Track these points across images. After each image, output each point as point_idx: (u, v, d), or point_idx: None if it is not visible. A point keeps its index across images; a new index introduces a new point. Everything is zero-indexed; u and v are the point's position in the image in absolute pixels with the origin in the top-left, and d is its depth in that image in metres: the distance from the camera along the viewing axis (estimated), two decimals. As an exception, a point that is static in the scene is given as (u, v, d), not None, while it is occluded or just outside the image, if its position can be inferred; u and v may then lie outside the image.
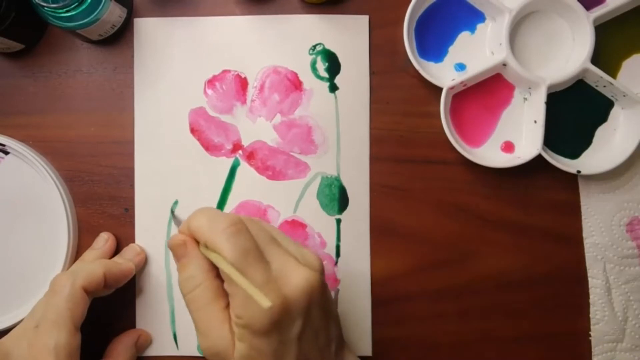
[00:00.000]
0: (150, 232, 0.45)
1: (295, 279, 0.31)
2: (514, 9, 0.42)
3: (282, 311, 0.30)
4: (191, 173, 0.45)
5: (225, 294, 0.33)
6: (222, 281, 0.33)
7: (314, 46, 0.45)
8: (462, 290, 0.45)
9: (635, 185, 0.45)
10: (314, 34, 0.45)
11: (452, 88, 0.44)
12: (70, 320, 0.36)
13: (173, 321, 0.45)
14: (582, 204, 0.45)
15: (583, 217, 0.45)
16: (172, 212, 0.44)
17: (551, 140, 0.43)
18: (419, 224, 0.45)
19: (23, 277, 0.45)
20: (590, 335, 0.45)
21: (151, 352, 0.45)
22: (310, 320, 0.32)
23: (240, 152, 0.45)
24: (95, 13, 0.40)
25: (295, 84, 0.45)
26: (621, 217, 0.45)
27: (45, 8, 0.38)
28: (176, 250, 0.34)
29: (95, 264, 0.40)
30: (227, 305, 0.33)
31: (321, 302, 0.33)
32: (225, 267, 0.31)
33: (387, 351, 0.45)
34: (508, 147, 0.45)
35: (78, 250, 0.45)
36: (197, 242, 0.34)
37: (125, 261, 0.42)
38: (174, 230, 0.45)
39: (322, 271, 0.33)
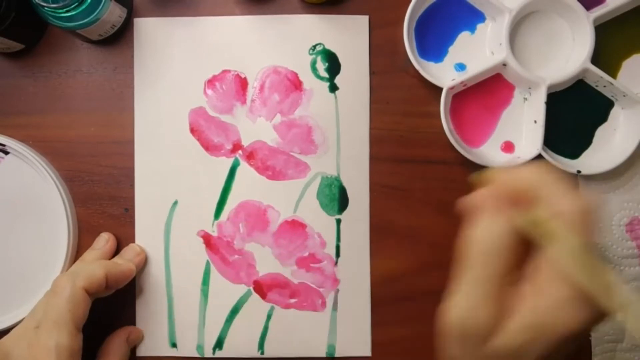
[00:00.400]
0: (150, 232, 0.45)
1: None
2: (514, 9, 0.42)
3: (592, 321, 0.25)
4: (191, 173, 0.45)
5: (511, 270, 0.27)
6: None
7: (314, 46, 0.45)
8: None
9: (635, 185, 0.45)
10: (314, 34, 0.45)
11: (452, 88, 0.43)
12: (72, 321, 0.36)
13: (173, 321, 0.45)
14: (582, 204, 0.45)
15: (583, 217, 0.45)
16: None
17: (551, 140, 0.43)
18: (419, 224, 0.45)
19: (23, 277, 0.45)
20: (590, 335, 0.45)
21: (151, 352, 0.45)
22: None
23: (240, 152, 0.45)
24: (95, 13, 0.40)
25: (295, 84, 0.45)
26: (621, 217, 0.45)
27: (45, 8, 0.38)
28: (490, 201, 0.27)
29: (96, 264, 0.40)
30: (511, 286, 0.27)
31: None
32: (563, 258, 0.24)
33: (387, 351, 0.45)
34: (508, 147, 0.45)
35: (78, 250, 0.45)
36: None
37: (125, 262, 0.42)
38: (175, 228, 0.45)
39: None
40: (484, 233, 0.27)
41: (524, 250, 0.27)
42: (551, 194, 0.26)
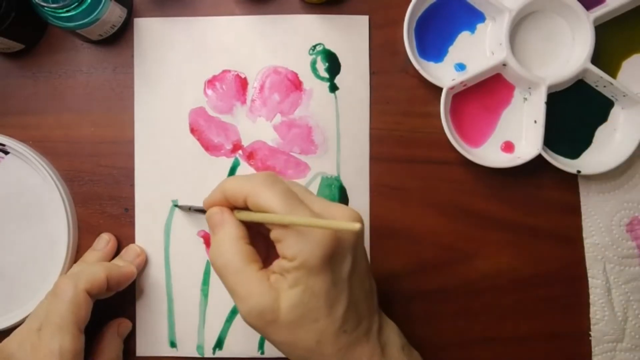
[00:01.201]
0: (150, 232, 0.45)
1: (341, 215, 0.32)
2: (514, 9, 0.42)
3: (335, 243, 0.31)
4: (191, 173, 0.45)
5: (259, 258, 0.33)
6: (253, 246, 0.33)
7: (314, 46, 0.45)
8: (462, 290, 0.45)
9: (635, 185, 0.45)
10: (314, 34, 0.45)
11: (452, 88, 0.43)
12: (74, 324, 0.36)
13: (173, 321, 0.45)
14: (582, 204, 0.45)
15: (583, 217, 0.45)
16: (176, 205, 0.44)
17: (551, 140, 0.43)
18: (419, 224, 0.45)
19: (23, 277, 0.45)
20: (590, 335, 0.45)
21: (150, 352, 0.45)
22: (357, 261, 0.33)
23: (240, 152, 0.45)
24: (95, 13, 0.40)
25: (296, 84, 0.45)
26: (621, 217, 0.45)
27: (45, 8, 0.38)
28: (213, 218, 0.34)
29: (97, 266, 0.40)
30: (261, 268, 0.33)
31: (362, 245, 0.34)
32: (269, 217, 0.31)
33: (387, 351, 0.45)
34: (508, 147, 0.45)
35: (78, 250, 0.45)
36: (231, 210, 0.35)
37: (126, 264, 0.42)
38: (175, 228, 0.45)
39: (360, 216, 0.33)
40: (218, 241, 0.33)
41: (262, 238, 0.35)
42: (239, 191, 0.33)
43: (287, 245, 0.31)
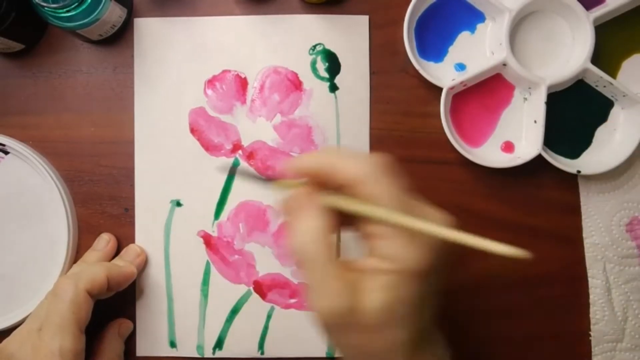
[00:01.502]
0: (150, 232, 0.45)
1: (440, 222, 0.29)
2: (514, 9, 0.42)
3: (447, 256, 0.28)
4: (191, 173, 0.45)
5: (338, 253, 0.30)
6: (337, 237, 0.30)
7: (314, 46, 0.45)
8: (462, 291, 0.45)
9: (635, 185, 0.45)
10: (314, 34, 0.45)
11: (452, 88, 0.43)
12: (75, 324, 0.36)
13: (173, 322, 0.45)
14: (582, 204, 0.45)
15: (583, 217, 0.45)
16: (232, 171, 0.40)
17: (551, 140, 0.43)
18: (419, 224, 0.45)
19: (23, 277, 0.45)
20: (590, 335, 0.45)
21: (150, 352, 0.45)
22: (443, 276, 0.30)
23: (240, 152, 0.45)
24: (95, 13, 0.40)
25: (296, 84, 0.45)
26: (621, 217, 0.45)
27: (45, 8, 0.38)
28: (298, 201, 0.30)
29: (98, 267, 0.40)
30: (343, 263, 0.29)
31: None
32: (378, 212, 0.28)
33: (387, 351, 0.45)
34: (508, 147, 0.45)
35: (78, 250, 0.45)
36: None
37: (127, 264, 0.42)
38: (175, 228, 0.45)
39: None
40: (304, 233, 0.29)
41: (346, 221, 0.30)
42: (342, 165, 0.29)
43: (391, 246, 0.28)
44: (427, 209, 0.29)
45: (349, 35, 0.45)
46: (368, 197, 0.28)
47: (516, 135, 0.45)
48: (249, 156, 0.45)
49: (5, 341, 0.37)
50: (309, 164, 0.30)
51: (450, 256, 0.29)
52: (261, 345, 0.45)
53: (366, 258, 0.29)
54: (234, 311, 0.45)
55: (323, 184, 0.30)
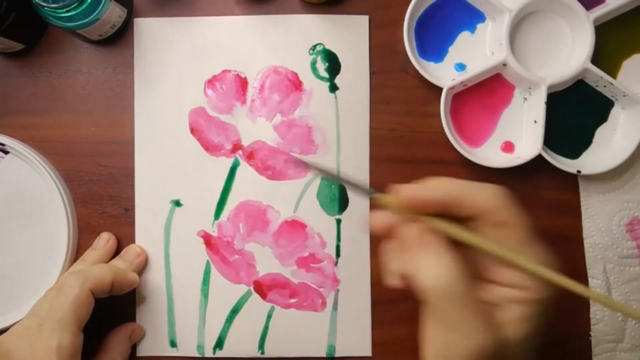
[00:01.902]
0: (150, 232, 0.45)
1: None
2: (514, 9, 0.42)
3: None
4: (191, 173, 0.45)
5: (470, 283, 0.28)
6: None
7: (314, 46, 0.45)
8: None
9: (635, 185, 0.45)
10: (314, 34, 0.45)
11: (452, 88, 0.43)
12: (75, 322, 0.36)
13: (173, 321, 0.45)
14: (582, 204, 0.45)
15: (583, 217, 0.45)
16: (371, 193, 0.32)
17: (551, 140, 0.43)
18: (419, 224, 0.45)
19: (23, 277, 0.45)
20: (590, 335, 0.45)
21: (151, 352, 0.45)
22: None
23: (240, 152, 0.45)
24: (95, 13, 0.40)
25: (296, 84, 0.45)
26: (621, 217, 0.45)
27: (45, 8, 0.38)
28: (412, 239, 0.28)
29: (105, 269, 0.40)
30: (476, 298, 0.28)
31: None
32: (498, 249, 0.28)
33: (387, 351, 0.45)
34: (508, 147, 0.45)
35: (78, 250, 0.45)
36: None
37: (132, 273, 0.42)
38: (175, 228, 0.45)
39: None
40: (435, 276, 0.27)
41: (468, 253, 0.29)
42: (473, 195, 0.29)
43: (523, 276, 0.28)
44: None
45: (349, 35, 0.45)
46: (501, 225, 0.28)
47: (516, 135, 0.45)
48: (249, 156, 0.45)
49: (2, 337, 0.37)
50: (438, 192, 0.29)
51: None
52: (261, 345, 0.45)
53: (495, 288, 0.29)
54: (234, 311, 0.45)
55: (441, 213, 0.29)
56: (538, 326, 0.28)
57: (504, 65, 0.43)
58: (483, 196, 0.28)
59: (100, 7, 0.40)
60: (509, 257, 0.28)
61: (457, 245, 0.29)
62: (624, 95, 0.43)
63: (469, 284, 0.27)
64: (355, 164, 0.45)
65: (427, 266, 0.27)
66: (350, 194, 0.45)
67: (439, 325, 0.28)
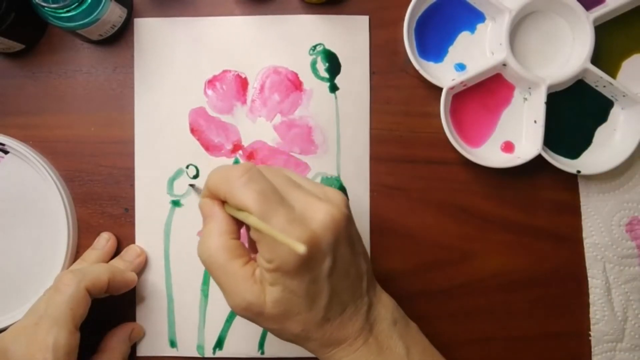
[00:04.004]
0: (150, 232, 0.45)
1: (319, 215, 0.31)
2: (514, 9, 0.42)
3: (310, 249, 0.30)
4: (191, 173, 0.45)
5: (245, 252, 0.33)
6: (239, 239, 0.34)
7: (314, 46, 0.45)
8: (462, 290, 0.45)
9: (635, 185, 0.45)
10: (314, 34, 0.45)
11: (452, 88, 0.44)
12: (71, 320, 0.36)
13: (173, 321, 0.45)
14: (582, 204, 0.45)
15: (583, 217, 0.45)
16: (192, 186, 0.44)
17: (551, 140, 0.43)
18: (419, 224, 0.45)
19: (23, 277, 0.45)
20: (590, 335, 0.45)
21: (151, 352, 0.45)
22: (339, 256, 0.33)
23: (240, 152, 0.45)
24: (95, 13, 0.40)
25: (296, 84, 0.45)
26: (621, 217, 0.45)
27: (45, 8, 0.38)
28: (203, 210, 0.34)
29: (102, 268, 0.40)
30: (247, 262, 0.33)
31: (348, 237, 0.33)
32: (247, 217, 0.31)
33: (387, 351, 0.45)
34: (508, 147, 0.45)
35: (78, 250, 0.45)
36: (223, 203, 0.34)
37: (129, 272, 0.43)
38: (175, 228, 0.45)
39: (345, 205, 0.33)
40: (204, 236, 0.34)
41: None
42: (217, 188, 0.33)
43: (263, 249, 0.31)
44: (305, 197, 0.32)
45: (349, 36, 0.45)
46: (236, 206, 0.32)
47: (516, 135, 0.45)
48: (249, 156, 0.45)
49: (1, 335, 0.37)
50: (205, 189, 0.34)
51: (332, 241, 0.32)
52: (261, 345, 0.45)
53: (258, 258, 0.33)
54: (234, 311, 0.45)
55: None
56: (290, 289, 0.32)
57: (504, 65, 0.43)
58: (223, 186, 0.33)
59: (100, 7, 0.40)
60: (252, 224, 0.31)
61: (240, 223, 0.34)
62: (624, 95, 0.43)
63: (232, 250, 0.33)
64: (356, 164, 0.45)
65: (202, 236, 0.34)
66: (351, 194, 0.45)
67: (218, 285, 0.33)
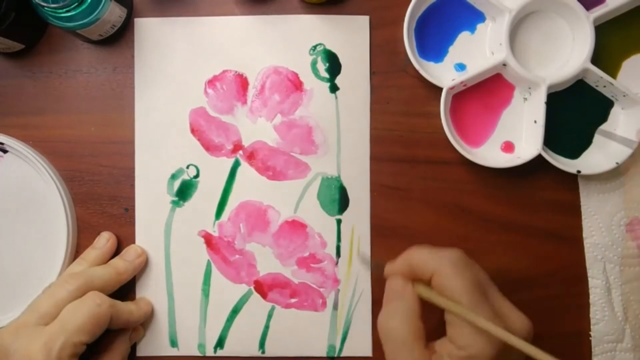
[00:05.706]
0: (150, 232, 0.45)
1: (518, 322, 0.33)
2: (514, 9, 0.42)
3: (505, 346, 0.31)
4: (191, 173, 0.45)
5: (424, 336, 0.34)
6: (423, 322, 0.34)
7: (315, 46, 0.45)
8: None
9: (636, 185, 0.45)
10: (315, 34, 0.45)
11: (452, 88, 0.44)
12: (85, 334, 0.37)
13: (173, 321, 0.45)
14: (582, 204, 0.45)
15: (583, 217, 0.45)
16: (361, 256, 0.45)
17: (551, 140, 0.44)
18: (419, 224, 0.45)
19: (23, 276, 0.45)
20: (590, 335, 0.45)
21: (151, 351, 0.45)
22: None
23: (240, 152, 0.45)
24: (95, 13, 0.40)
25: (296, 84, 0.45)
26: (621, 217, 0.45)
27: (45, 8, 0.38)
28: (393, 287, 0.35)
29: (133, 306, 0.42)
30: (426, 345, 0.33)
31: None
32: (454, 307, 0.32)
33: (387, 351, 0.45)
34: (508, 147, 0.45)
35: (78, 250, 0.45)
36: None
37: (143, 318, 0.43)
38: (175, 228, 0.45)
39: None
40: (394, 315, 0.34)
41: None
42: (424, 266, 0.34)
43: (461, 334, 0.32)
44: (500, 301, 0.34)
45: (349, 36, 0.45)
46: (444, 291, 0.33)
47: (516, 135, 0.45)
48: (250, 156, 0.45)
49: (0, 332, 0.37)
50: (399, 263, 0.36)
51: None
52: (262, 344, 0.45)
53: (444, 342, 0.33)
54: (235, 310, 0.45)
55: (416, 276, 0.35)
56: None
57: (504, 65, 0.43)
58: (428, 261, 0.34)
59: (100, 7, 0.40)
60: (459, 313, 0.32)
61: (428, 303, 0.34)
62: (624, 96, 0.43)
63: (417, 332, 0.33)
64: (356, 164, 0.45)
65: (389, 310, 0.34)
66: (351, 194, 0.45)
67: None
